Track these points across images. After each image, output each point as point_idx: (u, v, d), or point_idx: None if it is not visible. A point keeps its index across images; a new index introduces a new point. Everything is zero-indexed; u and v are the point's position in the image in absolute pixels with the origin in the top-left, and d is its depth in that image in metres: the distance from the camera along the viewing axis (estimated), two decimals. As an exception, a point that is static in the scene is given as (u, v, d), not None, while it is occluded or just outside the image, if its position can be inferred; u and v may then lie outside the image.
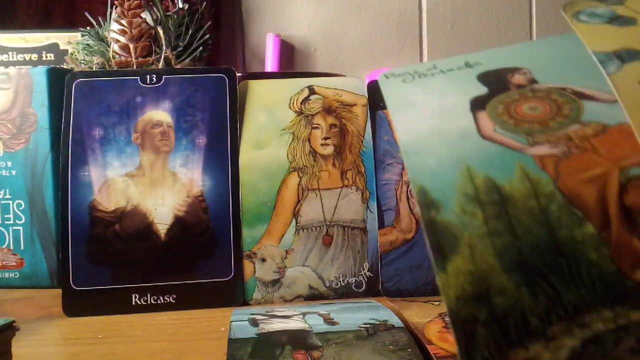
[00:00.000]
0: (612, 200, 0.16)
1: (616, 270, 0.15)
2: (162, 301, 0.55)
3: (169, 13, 0.75)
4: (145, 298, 0.55)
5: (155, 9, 0.74)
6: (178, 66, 0.72)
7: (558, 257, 0.15)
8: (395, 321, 0.48)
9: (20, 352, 0.41)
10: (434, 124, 0.19)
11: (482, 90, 0.20)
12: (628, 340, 0.14)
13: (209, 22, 0.79)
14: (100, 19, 0.78)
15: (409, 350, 0.42)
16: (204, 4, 0.79)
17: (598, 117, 0.18)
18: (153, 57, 0.72)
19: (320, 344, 0.44)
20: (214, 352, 0.44)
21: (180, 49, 0.75)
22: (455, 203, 0.17)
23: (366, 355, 0.41)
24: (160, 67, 0.71)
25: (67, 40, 0.90)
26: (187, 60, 0.74)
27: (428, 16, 1.20)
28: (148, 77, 0.60)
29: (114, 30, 0.73)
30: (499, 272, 0.15)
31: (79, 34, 0.88)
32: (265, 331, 0.46)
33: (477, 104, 0.19)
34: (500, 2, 1.22)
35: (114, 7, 0.74)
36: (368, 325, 0.47)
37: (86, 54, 0.75)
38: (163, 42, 0.73)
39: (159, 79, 0.60)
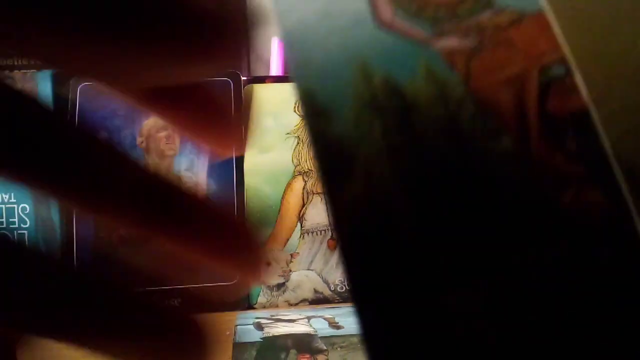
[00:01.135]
0: (531, 105, 0.14)
1: (539, 195, 0.13)
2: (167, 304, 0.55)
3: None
4: (150, 302, 0.55)
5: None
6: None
7: (469, 177, 0.13)
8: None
9: (24, 355, 0.41)
10: (320, 5, 0.15)
11: None
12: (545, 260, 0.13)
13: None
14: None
15: (415, 354, 0.42)
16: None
17: (514, 1, 0.15)
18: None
19: (325, 347, 0.43)
20: (219, 356, 0.44)
21: None
22: (349, 110, 0.14)
23: None
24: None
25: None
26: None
27: None
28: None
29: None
30: (399, 202, 0.13)
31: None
32: (270, 335, 0.46)
33: None
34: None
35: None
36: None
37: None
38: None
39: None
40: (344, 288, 0.58)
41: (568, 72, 0.14)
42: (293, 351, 0.43)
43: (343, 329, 0.47)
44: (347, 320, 0.49)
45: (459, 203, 0.13)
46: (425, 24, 0.15)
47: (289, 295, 0.57)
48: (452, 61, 0.14)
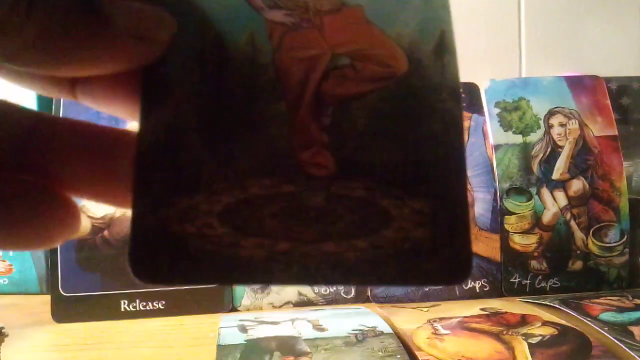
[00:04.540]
0: (312, 83, 0.17)
1: (287, 147, 0.17)
2: (151, 307, 0.55)
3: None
4: (134, 304, 0.55)
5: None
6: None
7: (247, 127, 0.17)
8: (384, 327, 0.48)
9: (9, 358, 0.41)
10: None
11: None
12: (272, 206, 0.16)
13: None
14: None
15: (398, 356, 0.43)
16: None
17: None
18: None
19: (309, 350, 0.44)
20: (202, 358, 0.44)
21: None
22: (179, 54, 0.17)
23: (355, 362, 0.42)
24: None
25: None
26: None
27: None
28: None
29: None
30: (192, 131, 0.17)
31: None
32: (254, 337, 0.46)
33: None
34: (489, 8, 1.22)
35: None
36: (357, 332, 0.47)
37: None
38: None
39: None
40: (328, 290, 0.58)
41: (351, 64, 0.18)
42: (277, 353, 0.43)
43: (327, 332, 0.47)
44: (331, 322, 0.49)
45: (231, 145, 0.17)
46: None
47: (273, 297, 0.58)
48: (271, 32, 0.18)
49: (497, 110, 0.61)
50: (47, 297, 0.55)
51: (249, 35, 0.18)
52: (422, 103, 0.18)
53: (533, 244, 0.59)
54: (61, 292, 0.54)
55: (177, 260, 0.16)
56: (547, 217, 0.59)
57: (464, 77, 0.20)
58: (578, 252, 0.59)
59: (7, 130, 0.17)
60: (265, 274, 0.16)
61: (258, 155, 0.17)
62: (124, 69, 0.16)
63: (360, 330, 0.47)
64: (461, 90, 0.19)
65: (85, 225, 0.19)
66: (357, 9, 0.18)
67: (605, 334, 0.46)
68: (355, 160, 0.17)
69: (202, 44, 0.17)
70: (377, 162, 0.18)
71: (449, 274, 0.17)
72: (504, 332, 0.47)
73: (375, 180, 0.17)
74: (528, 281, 0.59)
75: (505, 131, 0.61)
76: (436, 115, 0.18)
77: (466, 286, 0.58)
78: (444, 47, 0.18)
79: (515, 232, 0.59)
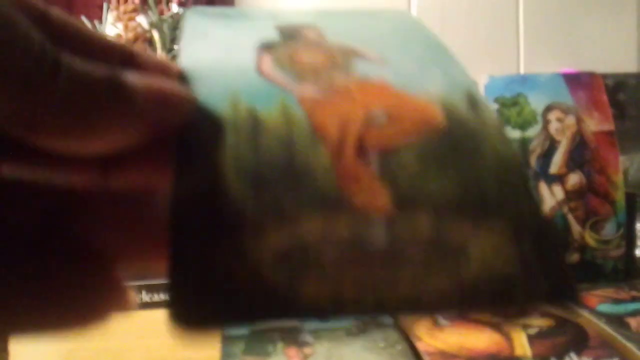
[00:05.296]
0: (352, 134, 0.17)
1: (337, 191, 0.16)
2: (157, 299, 0.56)
3: (164, 17, 0.76)
4: (140, 295, 0.55)
5: (150, 13, 0.75)
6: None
7: (290, 176, 0.16)
8: (386, 318, 0.49)
9: (14, 348, 0.41)
10: (219, 55, 0.20)
11: (275, 37, 0.21)
12: (330, 249, 0.16)
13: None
14: (96, 22, 0.79)
15: (399, 347, 0.43)
16: (198, 8, 0.80)
17: (365, 71, 0.20)
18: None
19: (311, 340, 0.44)
20: (207, 349, 0.45)
21: (175, 52, 0.75)
22: (214, 127, 0.18)
23: (356, 352, 0.42)
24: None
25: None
26: (182, 63, 0.75)
27: (417, 17, 1.21)
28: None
29: (110, 33, 0.74)
30: (230, 179, 0.16)
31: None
32: (258, 328, 0.47)
33: (266, 46, 0.20)
34: (488, 6, 1.23)
35: (110, 10, 0.75)
36: (359, 322, 0.48)
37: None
38: (158, 45, 0.73)
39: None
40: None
41: (387, 119, 0.18)
42: (280, 344, 0.43)
43: (329, 323, 0.47)
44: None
45: (278, 186, 0.16)
46: (293, 76, 0.19)
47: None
48: (303, 102, 0.18)
49: (495, 106, 0.62)
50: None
51: (280, 105, 0.18)
52: (470, 146, 0.18)
53: (531, 237, 0.60)
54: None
55: (226, 304, 0.15)
56: (545, 211, 0.60)
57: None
58: (575, 245, 0.60)
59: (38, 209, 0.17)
60: (334, 316, 0.15)
61: (307, 201, 0.16)
62: (149, 137, 0.16)
63: (361, 321, 0.48)
64: (505, 130, 0.20)
65: (133, 300, 0.18)
66: (382, 81, 0.20)
67: (603, 325, 0.46)
68: (413, 195, 0.17)
69: (234, 114, 0.18)
70: (437, 196, 0.17)
71: (551, 299, 0.16)
72: (503, 323, 0.47)
73: (440, 215, 0.17)
74: (526, 274, 0.59)
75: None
76: (488, 155, 0.18)
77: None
78: (475, 101, 0.19)
79: (513, 226, 0.60)
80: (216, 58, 0.20)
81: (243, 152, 0.17)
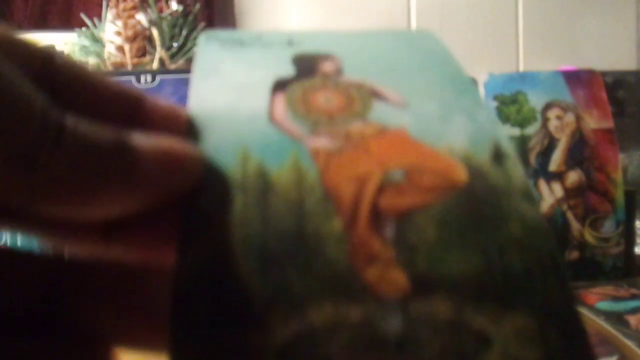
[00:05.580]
0: (366, 199, 0.16)
1: (349, 267, 0.15)
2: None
3: (163, 14, 0.76)
4: None
5: (149, 11, 0.75)
6: (172, 67, 0.73)
7: (300, 249, 0.15)
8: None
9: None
10: (230, 99, 0.18)
11: (290, 71, 0.20)
12: (341, 337, 0.14)
13: (203, 23, 0.80)
14: (95, 20, 0.79)
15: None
16: (198, 6, 0.80)
17: (382, 117, 0.18)
18: (147, 58, 0.73)
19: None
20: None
21: (174, 49, 0.76)
22: (221, 184, 0.16)
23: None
24: (154, 67, 0.72)
25: (63, 41, 0.91)
26: (181, 60, 0.75)
27: (417, 17, 1.21)
28: (143, 77, 0.61)
29: (110, 31, 0.74)
30: (236, 252, 0.15)
31: (75, 35, 0.88)
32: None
33: (280, 85, 0.19)
34: (488, 3, 1.23)
35: (109, 8, 0.75)
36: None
37: (82, 55, 0.76)
38: (157, 43, 0.74)
39: (153, 79, 0.61)
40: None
41: (405, 178, 0.17)
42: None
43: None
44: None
45: (286, 266, 0.15)
46: (306, 125, 0.18)
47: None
48: (316, 156, 0.17)
49: (495, 104, 0.62)
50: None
51: (292, 160, 0.17)
52: (493, 208, 0.17)
53: (530, 235, 0.60)
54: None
55: None
56: (544, 209, 0.60)
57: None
58: (574, 242, 0.60)
59: (31, 284, 0.16)
60: None
61: (316, 278, 0.15)
62: (156, 203, 0.16)
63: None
64: (533, 191, 0.18)
65: None
66: (401, 131, 0.18)
67: (602, 322, 0.46)
68: (432, 274, 0.15)
69: (243, 172, 0.17)
70: (458, 274, 0.15)
71: None
72: None
73: (461, 296, 0.15)
74: (526, 271, 0.60)
75: (503, 124, 0.61)
76: (513, 219, 0.16)
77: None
78: (501, 154, 0.18)
79: (513, 224, 0.60)
80: (227, 102, 0.18)
81: (251, 218, 0.16)
